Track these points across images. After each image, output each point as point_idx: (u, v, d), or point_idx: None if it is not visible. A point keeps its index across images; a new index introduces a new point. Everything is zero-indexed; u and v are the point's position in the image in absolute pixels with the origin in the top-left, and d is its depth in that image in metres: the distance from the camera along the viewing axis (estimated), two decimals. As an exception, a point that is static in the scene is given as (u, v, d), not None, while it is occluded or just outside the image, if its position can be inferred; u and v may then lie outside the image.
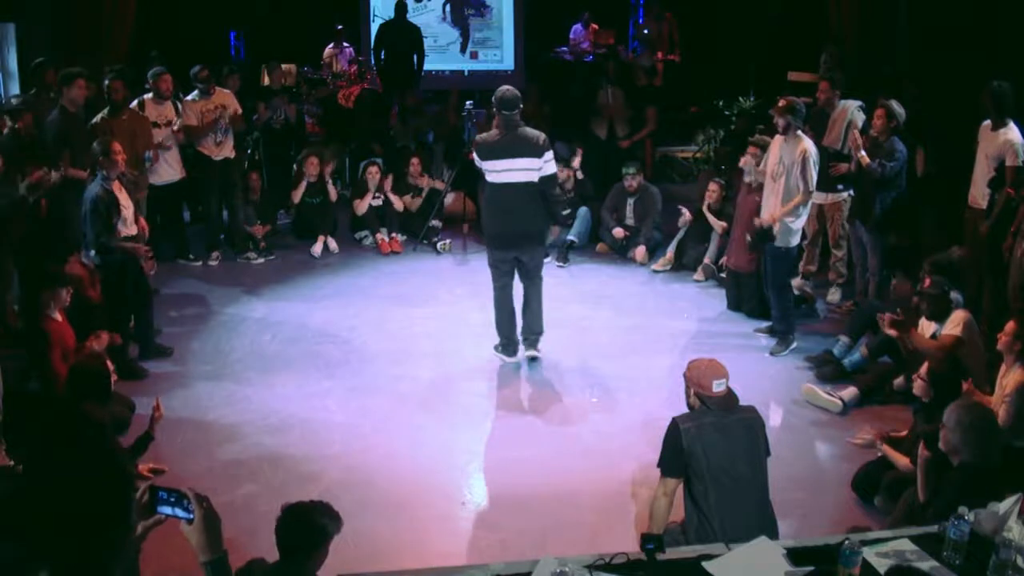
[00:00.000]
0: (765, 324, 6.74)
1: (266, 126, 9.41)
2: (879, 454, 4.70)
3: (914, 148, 7.41)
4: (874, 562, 3.01)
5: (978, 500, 3.13)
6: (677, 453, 3.67)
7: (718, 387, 3.72)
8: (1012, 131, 6.18)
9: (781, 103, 6.30)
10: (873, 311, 6.18)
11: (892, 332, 5.43)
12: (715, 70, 11.56)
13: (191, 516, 2.20)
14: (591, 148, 9.84)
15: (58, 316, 5.30)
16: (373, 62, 11.65)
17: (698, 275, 7.90)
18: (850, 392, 5.65)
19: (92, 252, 5.81)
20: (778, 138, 6.28)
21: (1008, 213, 6.10)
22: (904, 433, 4.74)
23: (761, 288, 6.80)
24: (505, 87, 6.10)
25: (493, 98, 6.11)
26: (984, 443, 3.66)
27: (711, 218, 7.91)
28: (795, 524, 4.27)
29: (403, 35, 11.05)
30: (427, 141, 10.65)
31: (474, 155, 6.10)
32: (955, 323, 5.20)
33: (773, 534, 3.58)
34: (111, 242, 5.84)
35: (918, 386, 4.67)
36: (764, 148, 6.80)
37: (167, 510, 2.19)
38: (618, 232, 8.51)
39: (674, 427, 3.70)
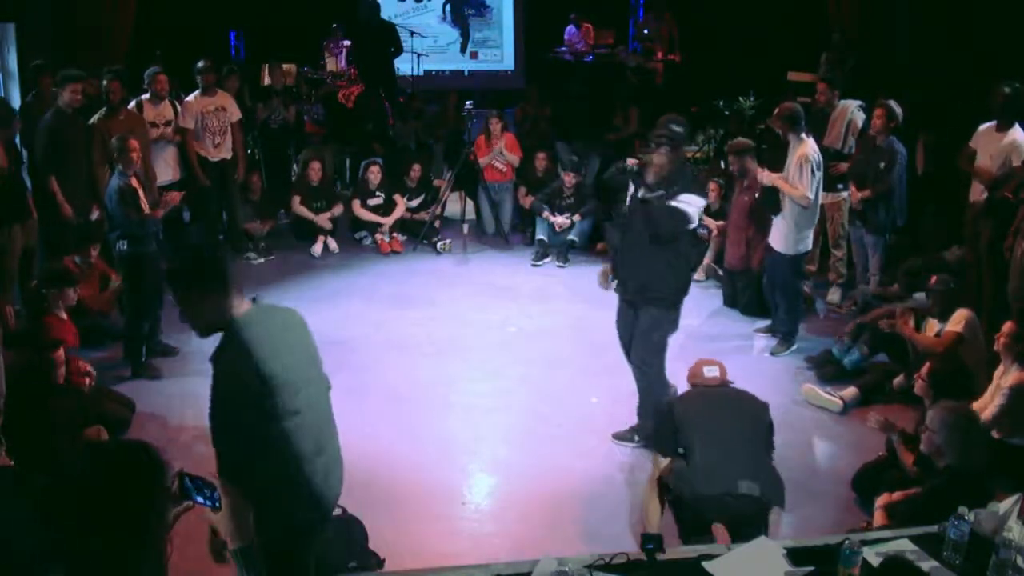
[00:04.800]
0: (764, 323, 6.76)
1: (263, 125, 9.41)
2: (881, 453, 4.70)
3: (914, 147, 7.41)
4: (874, 562, 3.01)
5: (963, 502, 3.13)
6: (668, 427, 3.95)
7: (709, 372, 4.05)
8: (1017, 132, 6.17)
9: (777, 112, 6.32)
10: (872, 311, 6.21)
11: (901, 329, 5.48)
12: (715, 70, 11.56)
13: (217, 505, 2.19)
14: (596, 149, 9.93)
15: (63, 315, 5.32)
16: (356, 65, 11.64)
17: (698, 275, 7.90)
18: (850, 392, 5.65)
19: (123, 244, 5.81)
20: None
21: (1008, 213, 6.12)
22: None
23: (759, 286, 6.83)
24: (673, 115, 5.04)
25: (667, 130, 4.85)
26: (968, 446, 3.66)
27: (705, 218, 7.93)
28: (795, 524, 4.27)
29: (376, 36, 11.02)
30: (427, 141, 10.66)
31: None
32: (957, 321, 5.22)
33: (760, 481, 3.79)
34: (143, 223, 5.85)
35: (919, 386, 4.67)
36: (741, 152, 6.90)
37: (198, 498, 2.18)
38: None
39: (665, 406, 4.01)
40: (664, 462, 4.00)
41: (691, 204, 4.75)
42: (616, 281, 5.13)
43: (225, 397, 2.65)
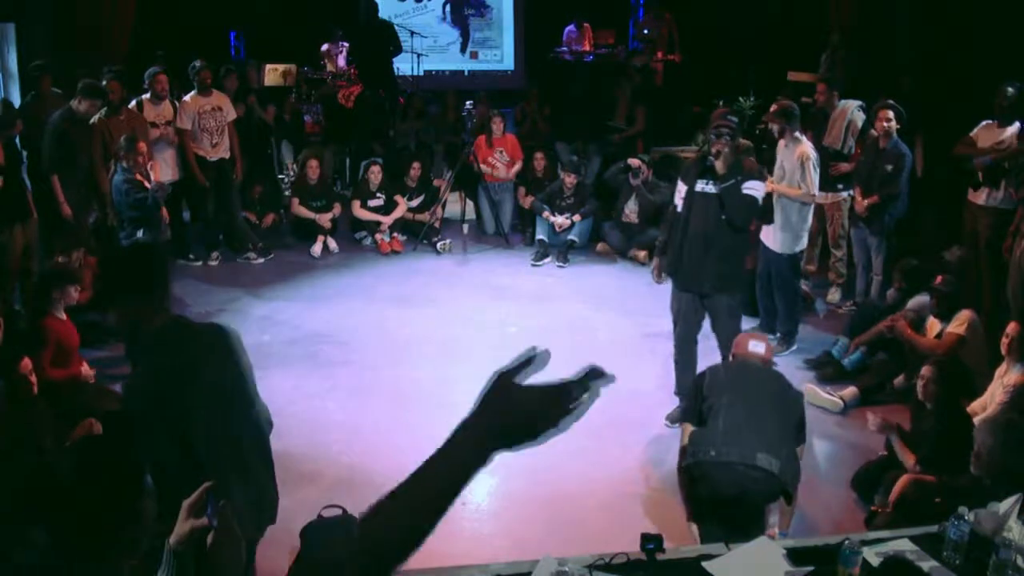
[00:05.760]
0: (754, 324, 6.80)
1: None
2: (882, 453, 4.70)
3: (912, 147, 7.42)
4: (874, 562, 3.01)
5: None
6: (696, 395, 3.95)
7: (754, 347, 4.00)
8: (1018, 128, 6.22)
9: (774, 108, 6.32)
10: (873, 311, 6.21)
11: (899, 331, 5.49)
12: (715, 70, 11.56)
13: (214, 523, 2.12)
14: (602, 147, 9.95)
15: (63, 316, 5.32)
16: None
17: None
18: (850, 392, 5.65)
19: (141, 232, 5.85)
20: (780, 143, 6.30)
21: (1008, 212, 6.14)
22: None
23: (752, 286, 6.85)
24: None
25: (726, 121, 5.12)
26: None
27: None
28: (795, 524, 4.27)
29: (375, 35, 11.02)
30: (428, 142, 10.66)
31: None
32: (960, 322, 5.22)
33: (780, 458, 3.72)
34: (154, 198, 5.94)
35: (921, 387, 4.66)
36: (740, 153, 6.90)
37: (209, 512, 2.14)
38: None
39: (699, 375, 3.98)
40: (689, 431, 4.00)
41: (757, 190, 5.01)
42: (676, 274, 5.28)
43: (133, 416, 2.53)
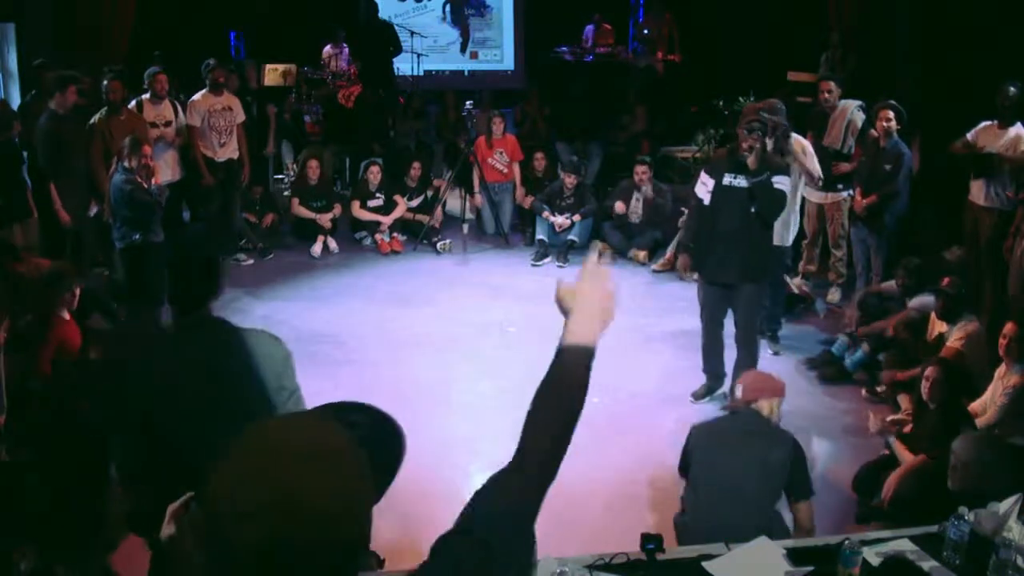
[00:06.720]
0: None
1: None
2: (884, 452, 4.70)
3: (910, 147, 7.43)
4: (874, 562, 3.01)
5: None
6: (683, 452, 3.82)
7: (737, 391, 3.91)
8: (1020, 128, 6.23)
9: (760, 105, 6.32)
10: (876, 304, 6.21)
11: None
12: (715, 70, 11.55)
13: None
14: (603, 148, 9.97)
15: (65, 315, 5.32)
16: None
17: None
18: (904, 399, 5.51)
19: (137, 236, 5.88)
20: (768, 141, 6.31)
21: (1008, 213, 6.14)
22: (908, 428, 4.74)
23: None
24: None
25: (758, 116, 5.17)
26: (1001, 475, 3.57)
27: None
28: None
29: (375, 36, 11.05)
30: (429, 143, 10.66)
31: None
32: (960, 336, 5.16)
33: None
34: (153, 199, 5.99)
35: (927, 388, 4.66)
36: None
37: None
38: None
39: (690, 432, 3.85)
40: (684, 481, 3.94)
41: (785, 184, 5.11)
42: (703, 267, 5.39)
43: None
